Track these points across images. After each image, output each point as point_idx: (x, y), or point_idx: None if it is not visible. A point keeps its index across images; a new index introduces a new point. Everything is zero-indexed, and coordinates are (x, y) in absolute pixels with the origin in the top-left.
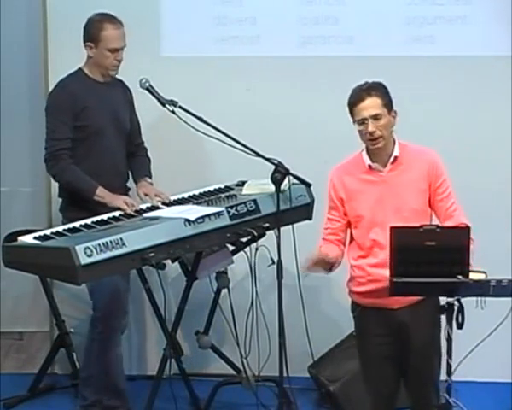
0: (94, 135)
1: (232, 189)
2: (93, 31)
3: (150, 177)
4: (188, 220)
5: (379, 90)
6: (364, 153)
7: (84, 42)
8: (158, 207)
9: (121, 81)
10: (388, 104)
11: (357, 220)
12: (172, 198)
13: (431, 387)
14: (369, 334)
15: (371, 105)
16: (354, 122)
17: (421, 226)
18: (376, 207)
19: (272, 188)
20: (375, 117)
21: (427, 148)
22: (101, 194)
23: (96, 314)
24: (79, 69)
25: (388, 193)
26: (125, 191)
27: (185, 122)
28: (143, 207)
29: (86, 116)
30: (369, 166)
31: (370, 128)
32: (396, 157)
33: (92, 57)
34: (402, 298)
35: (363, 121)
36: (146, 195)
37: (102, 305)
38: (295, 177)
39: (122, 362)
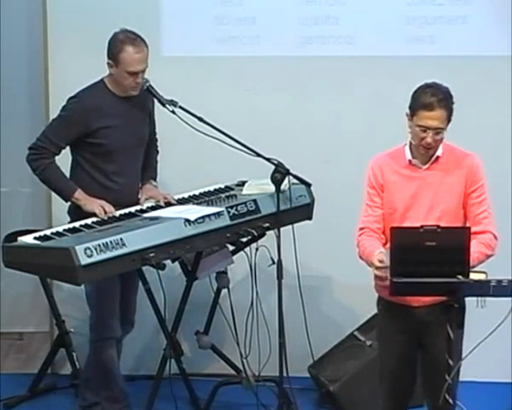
0: (111, 153)
1: (232, 189)
2: (114, 50)
3: (155, 178)
4: (188, 220)
5: (448, 102)
6: (407, 148)
7: (107, 58)
8: (159, 207)
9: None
10: (450, 116)
11: (390, 212)
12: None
13: (448, 389)
14: (389, 330)
15: (438, 117)
16: (411, 118)
17: (422, 226)
18: (411, 202)
19: (272, 188)
20: (437, 131)
21: (471, 152)
22: (79, 196)
23: (92, 322)
24: (102, 81)
25: (424, 190)
26: (134, 203)
27: (185, 122)
28: (144, 207)
29: (103, 135)
30: (410, 161)
31: (429, 140)
32: (438, 157)
33: (113, 74)
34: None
35: (424, 129)
36: (150, 198)
37: (97, 314)
38: (295, 177)
39: (119, 367)
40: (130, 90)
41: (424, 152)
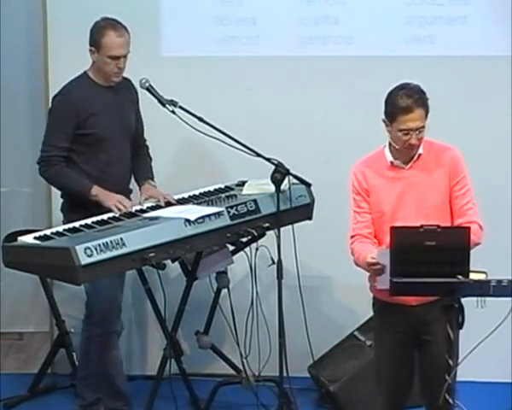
0: (99, 142)
1: (232, 189)
2: (95, 36)
3: (153, 178)
4: (188, 220)
5: (424, 100)
6: (387, 149)
7: (89, 46)
8: (159, 207)
9: (127, 80)
10: (428, 112)
11: (378, 216)
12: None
13: (447, 389)
14: (386, 330)
15: (418, 117)
16: (389, 124)
17: (422, 226)
18: (397, 203)
19: (272, 188)
20: (419, 130)
21: (450, 145)
22: (96, 192)
23: (94, 318)
24: (85, 73)
25: (409, 190)
26: (127, 195)
27: (185, 122)
28: (144, 206)
29: (91, 124)
30: (391, 162)
31: (413, 141)
32: (420, 155)
33: (95, 62)
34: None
35: (407, 132)
36: (150, 197)
37: (100, 308)
38: (295, 177)
39: (122, 363)
40: (113, 77)
41: (408, 153)
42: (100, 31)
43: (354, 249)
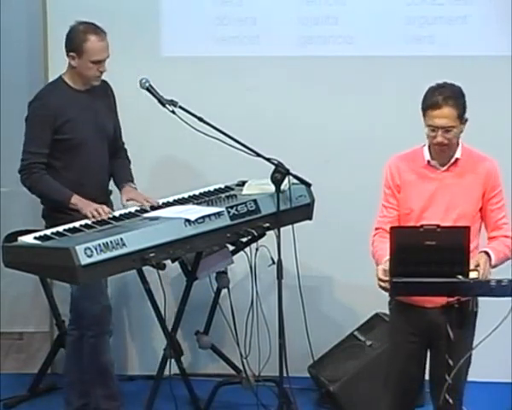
0: (77, 147)
1: (232, 189)
2: (77, 41)
3: (133, 181)
4: (188, 220)
5: (457, 99)
6: (426, 148)
7: (67, 51)
8: (158, 207)
9: (105, 83)
10: (462, 115)
11: (406, 213)
12: (172, 198)
13: (455, 393)
14: (399, 330)
15: (446, 115)
16: (424, 119)
17: (422, 226)
18: (428, 203)
19: (272, 188)
20: (447, 129)
21: (488, 156)
22: (75, 201)
23: (85, 321)
24: (60, 78)
25: (442, 192)
26: (106, 198)
27: (185, 122)
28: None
29: (68, 129)
30: (428, 162)
31: (439, 139)
32: (457, 159)
33: (75, 67)
34: (436, 297)
35: (433, 128)
36: (131, 200)
37: (93, 311)
38: (295, 177)
39: (114, 365)
40: (93, 81)
41: (439, 151)
42: (80, 36)
43: (374, 243)
